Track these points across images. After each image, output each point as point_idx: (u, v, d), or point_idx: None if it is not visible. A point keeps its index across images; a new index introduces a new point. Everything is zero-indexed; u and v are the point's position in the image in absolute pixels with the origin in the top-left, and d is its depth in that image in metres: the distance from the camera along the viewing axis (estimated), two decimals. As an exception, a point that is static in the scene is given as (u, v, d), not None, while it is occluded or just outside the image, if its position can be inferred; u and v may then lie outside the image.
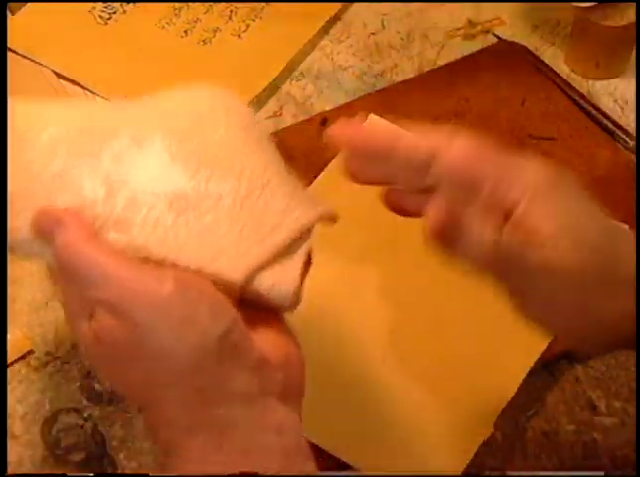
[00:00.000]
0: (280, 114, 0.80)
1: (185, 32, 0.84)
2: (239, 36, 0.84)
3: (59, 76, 0.80)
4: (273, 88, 0.81)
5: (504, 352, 0.64)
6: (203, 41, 0.84)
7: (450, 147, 0.51)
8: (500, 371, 0.63)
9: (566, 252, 0.49)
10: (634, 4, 0.77)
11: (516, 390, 0.63)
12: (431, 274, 0.65)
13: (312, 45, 0.84)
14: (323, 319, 0.65)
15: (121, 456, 0.61)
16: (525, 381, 0.63)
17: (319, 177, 0.72)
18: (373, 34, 0.85)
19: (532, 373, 0.64)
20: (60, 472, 0.60)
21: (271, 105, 0.80)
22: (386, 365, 0.64)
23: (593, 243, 0.50)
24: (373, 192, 0.53)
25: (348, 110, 0.77)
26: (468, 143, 0.51)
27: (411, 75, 0.82)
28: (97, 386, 0.64)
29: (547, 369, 0.64)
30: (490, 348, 0.64)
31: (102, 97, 0.79)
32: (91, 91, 0.80)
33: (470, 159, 0.51)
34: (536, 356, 0.64)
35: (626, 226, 0.53)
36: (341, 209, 0.53)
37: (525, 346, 0.64)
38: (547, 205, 0.50)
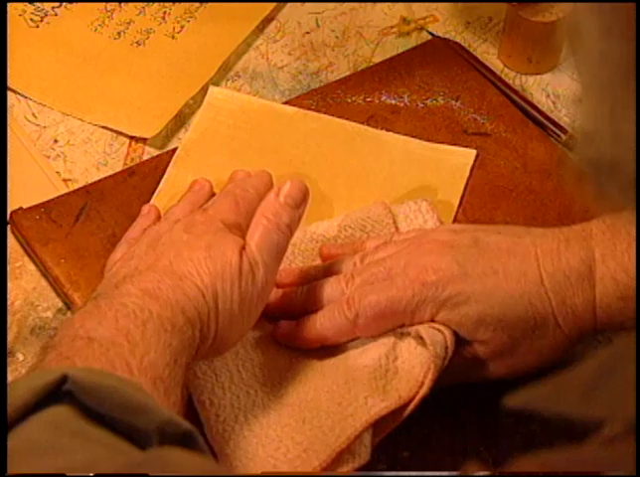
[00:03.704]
0: (216, 115, 0.79)
1: (118, 34, 0.83)
2: (173, 37, 0.84)
3: (-10, 80, 0.79)
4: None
5: None
6: (137, 42, 0.83)
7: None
8: None
9: (493, 340, 0.58)
10: (561, 2, 0.78)
11: None
12: None
13: (247, 45, 0.84)
14: None
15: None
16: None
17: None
18: (308, 33, 0.86)
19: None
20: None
21: (207, 106, 0.80)
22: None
23: (508, 321, 0.58)
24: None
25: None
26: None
27: (347, 73, 0.82)
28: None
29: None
30: None
31: (35, 101, 0.79)
32: (24, 96, 0.79)
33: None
34: None
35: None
36: None
37: None
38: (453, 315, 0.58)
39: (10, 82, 0.79)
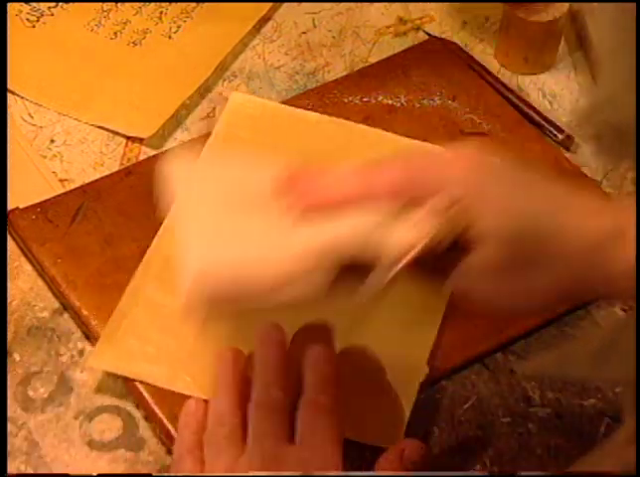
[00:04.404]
0: (212, 116, 0.79)
1: (115, 34, 0.83)
2: (169, 37, 0.84)
3: (-14, 80, 0.79)
4: (205, 90, 0.81)
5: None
6: (133, 42, 0.83)
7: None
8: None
9: (493, 249, 0.52)
10: (558, 2, 0.79)
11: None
12: None
13: (244, 45, 0.84)
14: None
15: (57, 463, 0.60)
16: (460, 375, 0.64)
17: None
18: (304, 33, 0.86)
19: (466, 366, 0.65)
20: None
21: (203, 107, 0.80)
22: None
23: (515, 233, 0.52)
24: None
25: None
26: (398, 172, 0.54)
27: (343, 73, 0.82)
28: (31, 394, 0.63)
29: (481, 362, 0.65)
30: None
31: (31, 101, 0.79)
32: (20, 96, 0.79)
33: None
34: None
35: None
36: None
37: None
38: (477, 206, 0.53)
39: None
